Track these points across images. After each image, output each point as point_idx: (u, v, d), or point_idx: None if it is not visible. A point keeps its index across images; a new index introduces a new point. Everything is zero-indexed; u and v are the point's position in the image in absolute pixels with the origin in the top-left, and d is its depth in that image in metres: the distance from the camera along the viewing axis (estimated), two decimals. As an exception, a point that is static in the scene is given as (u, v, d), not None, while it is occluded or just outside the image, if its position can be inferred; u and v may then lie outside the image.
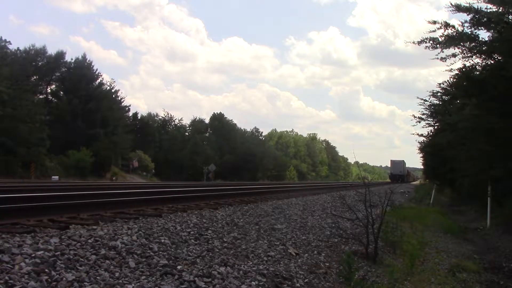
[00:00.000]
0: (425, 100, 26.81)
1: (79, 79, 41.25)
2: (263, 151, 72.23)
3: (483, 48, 13.84)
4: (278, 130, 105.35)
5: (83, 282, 3.67)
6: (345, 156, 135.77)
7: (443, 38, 14.06)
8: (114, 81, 57.26)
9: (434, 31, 14.20)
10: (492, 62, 14.10)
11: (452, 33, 13.86)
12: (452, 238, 12.51)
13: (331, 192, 19.95)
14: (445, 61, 14.66)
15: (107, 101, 43.38)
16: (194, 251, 5.38)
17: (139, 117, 58.89)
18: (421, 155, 39.65)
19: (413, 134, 33.21)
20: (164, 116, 65.64)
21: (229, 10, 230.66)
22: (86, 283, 3.67)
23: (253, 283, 4.87)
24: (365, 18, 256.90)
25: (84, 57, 43.93)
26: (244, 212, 8.94)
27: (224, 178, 53.96)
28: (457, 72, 15.44)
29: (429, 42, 14.48)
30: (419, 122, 27.57)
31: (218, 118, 69.66)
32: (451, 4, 13.99)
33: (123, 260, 4.41)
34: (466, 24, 13.56)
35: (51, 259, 3.88)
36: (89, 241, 4.66)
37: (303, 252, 6.94)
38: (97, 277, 3.84)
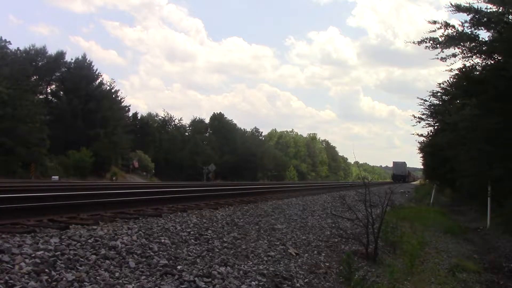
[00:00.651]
0: (425, 100, 26.86)
1: (79, 79, 41.25)
2: (263, 151, 72.22)
3: (483, 48, 13.85)
4: (278, 130, 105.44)
5: (83, 282, 3.67)
6: (345, 156, 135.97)
7: (443, 38, 14.07)
8: (114, 81, 57.14)
9: (434, 31, 14.22)
10: (492, 62, 14.11)
11: (452, 33, 13.87)
12: (452, 238, 12.51)
13: (331, 192, 19.96)
14: (445, 61, 14.68)
15: (107, 101, 43.36)
16: (194, 251, 5.38)
17: (139, 117, 58.87)
18: (421, 155, 39.70)
19: (413, 134, 33.21)
20: (164, 116, 65.65)
21: (229, 10, 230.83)
22: (86, 283, 3.67)
23: (253, 283, 4.87)
24: (365, 18, 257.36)
25: (84, 57, 44.04)
26: (244, 212, 8.94)
27: (224, 178, 53.95)
28: (457, 72, 15.46)
29: (429, 42, 14.49)
30: (419, 122, 27.66)
31: (218, 118, 69.64)
32: (451, 4, 14.00)
33: (123, 260, 4.41)
34: (466, 24, 13.58)
35: (51, 259, 3.88)
36: (89, 241, 4.65)
37: (303, 252, 6.94)
38: (97, 277, 3.84)
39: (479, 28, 13.62)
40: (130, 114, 54.33)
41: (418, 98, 31.49)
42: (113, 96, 46.19)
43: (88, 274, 3.84)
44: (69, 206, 6.90)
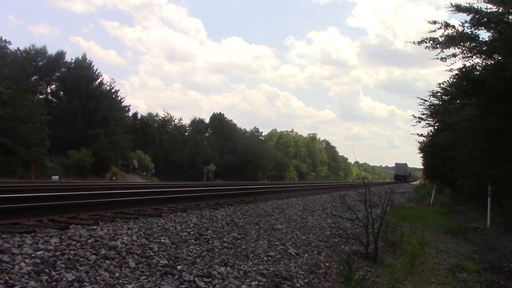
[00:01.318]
0: (425, 100, 26.86)
1: (79, 79, 41.22)
2: (263, 151, 72.18)
3: (483, 48, 13.84)
4: (278, 130, 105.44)
5: (83, 282, 3.67)
6: (345, 156, 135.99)
7: (443, 38, 14.06)
8: (114, 81, 57.09)
9: (434, 31, 14.21)
10: (492, 62, 14.10)
11: (452, 33, 13.86)
12: (452, 238, 12.50)
13: (331, 192, 19.95)
14: (445, 61, 14.68)
15: (107, 101, 43.34)
16: (194, 251, 5.38)
17: (139, 117, 58.85)
18: (421, 155, 39.74)
19: (413, 134, 33.30)
20: (164, 116, 65.65)
21: (229, 10, 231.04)
22: (86, 283, 3.67)
23: (253, 283, 4.87)
24: (365, 18, 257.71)
25: (84, 57, 44.00)
26: (244, 212, 8.93)
27: (224, 178, 53.91)
28: (457, 72, 15.44)
29: (429, 42, 14.48)
30: (419, 122, 27.67)
31: (218, 118, 69.63)
32: (451, 4, 14.00)
33: (123, 260, 4.41)
34: (466, 24, 13.57)
35: (51, 259, 3.88)
36: (89, 241, 4.65)
37: (303, 252, 6.94)
38: (97, 277, 3.84)
39: (479, 28, 13.61)
40: (130, 114, 54.36)
41: (418, 98, 31.47)
42: (113, 96, 46.16)
43: (88, 274, 3.84)
44: (69, 206, 6.89)
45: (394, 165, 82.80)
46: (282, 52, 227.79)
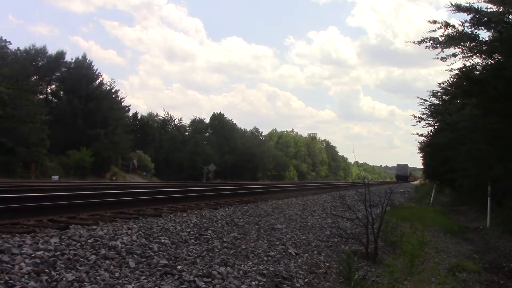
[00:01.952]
0: (425, 100, 26.80)
1: (79, 79, 41.22)
2: (263, 151, 72.16)
3: (483, 48, 13.81)
4: (278, 130, 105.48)
5: (83, 282, 3.67)
6: (345, 156, 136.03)
7: (443, 38, 14.02)
8: (114, 81, 57.27)
9: (434, 30, 14.16)
10: (492, 62, 14.08)
11: (452, 33, 13.82)
12: (452, 238, 12.50)
13: (331, 192, 19.96)
14: (445, 61, 14.63)
15: (107, 101, 43.34)
16: (194, 251, 5.38)
17: (139, 117, 58.91)
18: (421, 155, 39.70)
19: (413, 134, 33.27)
20: (164, 116, 65.71)
21: (229, 10, 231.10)
22: (86, 283, 3.67)
23: (253, 283, 4.87)
24: (364, 18, 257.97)
25: (84, 57, 43.99)
26: (244, 212, 8.94)
27: (224, 178, 53.92)
28: (457, 72, 15.40)
29: (429, 42, 14.44)
30: (419, 122, 27.59)
31: (218, 118, 69.64)
32: (451, 3, 13.95)
33: (123, 260, 4.41)
34: (466, 24, 13.53)
35: (51, 259, 3.88)
36: (89, 241, 4.66)
37: (303, 252, 6.94)
38: (97, 277, 3.84)
39: (479, 28, 13.58)
40: (130, 114, 54.40)
41: (418, 98, 31.42)
42: (113, 96, 46.16)
43: (88, 274, 3.84)
44: (69, 206, 6.90)
45: (395, 166, 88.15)
46: (282, 52, 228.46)
